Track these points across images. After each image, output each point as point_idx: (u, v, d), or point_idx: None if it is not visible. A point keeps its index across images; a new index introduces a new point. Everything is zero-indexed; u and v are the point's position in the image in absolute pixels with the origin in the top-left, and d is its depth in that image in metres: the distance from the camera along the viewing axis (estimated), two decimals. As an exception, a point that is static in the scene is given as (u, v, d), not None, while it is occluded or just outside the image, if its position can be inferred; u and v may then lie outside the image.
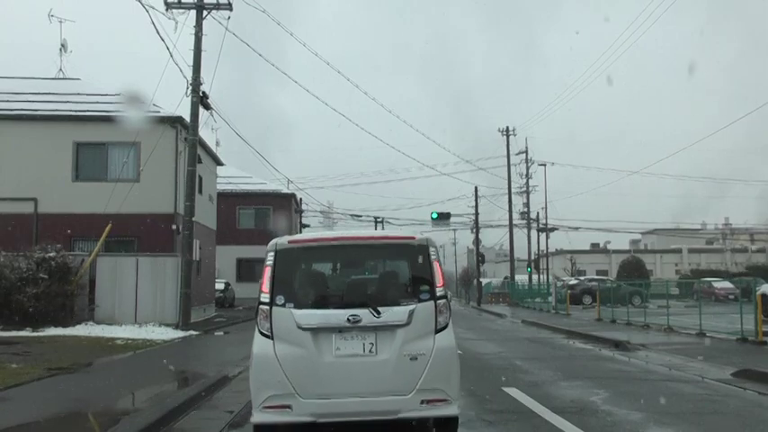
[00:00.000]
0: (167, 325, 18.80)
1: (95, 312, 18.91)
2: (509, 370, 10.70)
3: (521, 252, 49.37)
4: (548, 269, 53.37)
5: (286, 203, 42.77)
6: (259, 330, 5.23)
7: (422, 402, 5.08)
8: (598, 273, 59.86)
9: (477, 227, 45.63)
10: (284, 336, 5.13)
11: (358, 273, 6.35)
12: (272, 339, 5.15)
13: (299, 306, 5.21)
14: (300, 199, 47.92)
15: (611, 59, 55.29)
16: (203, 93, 19.86)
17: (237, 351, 14.24)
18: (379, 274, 6.12)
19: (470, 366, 10.20)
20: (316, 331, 5.12)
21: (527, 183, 47.64)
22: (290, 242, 5.49)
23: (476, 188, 46.31)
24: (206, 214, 26.89)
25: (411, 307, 5.21)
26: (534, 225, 50.90)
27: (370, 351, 5.15)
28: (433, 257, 5.41)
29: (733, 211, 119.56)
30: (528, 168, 47.69)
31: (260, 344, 5.20)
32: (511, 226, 46.93)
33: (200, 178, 25.69)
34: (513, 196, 45.99)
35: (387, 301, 5.29)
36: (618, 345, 14.73)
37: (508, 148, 47.02)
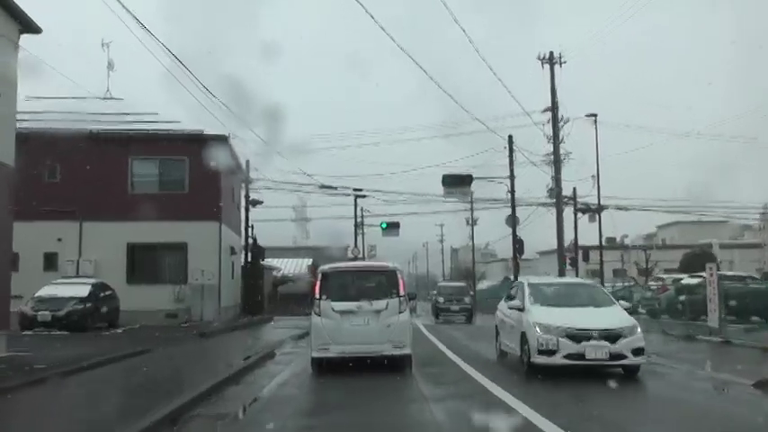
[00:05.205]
0: None
1: None
2: None
3: (503, 253, 33.40)
4: (602, 265, 37.95)
5: (216, 154, 26.07)
6: (314, 312, 11.29)
7: (393, 347, 11.11)
8: (614, 272, 46.47)
9: (512, 190, 29.57)
10: (326, 315, 11.16)
11: (362, 283, 11.91)
12: (321, 317, 11.17)
13: (333, 300, 11.21)
14: (248, 161, 31.78)
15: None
16: None
17: None
18: (372, 284, 11.87)
19: None
20: (342, 312, 11.14)
21: (555, 148, 31.30)
22: (329, 268, 11.85)
23: (510, 136, 30.51)
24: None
25: (387, 300, 11.24)
26: (569, 203, 35.46)
27: (367, 323, 11.13)
28: (399, 276, 11.61)
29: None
30: (557, 129, 31.60)
31: (315, 319, 11.24)
32: (559, 198, 30.98)
33: None
34: (538, 170, 30.14)
35: (375, 297, 11.32)
36: None
37: (553, 81, 31.16)
